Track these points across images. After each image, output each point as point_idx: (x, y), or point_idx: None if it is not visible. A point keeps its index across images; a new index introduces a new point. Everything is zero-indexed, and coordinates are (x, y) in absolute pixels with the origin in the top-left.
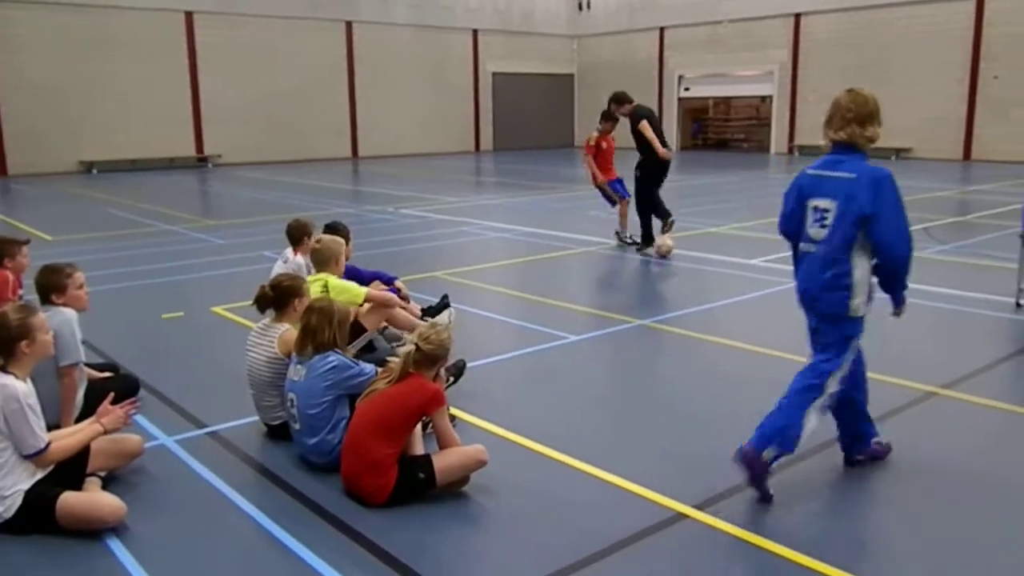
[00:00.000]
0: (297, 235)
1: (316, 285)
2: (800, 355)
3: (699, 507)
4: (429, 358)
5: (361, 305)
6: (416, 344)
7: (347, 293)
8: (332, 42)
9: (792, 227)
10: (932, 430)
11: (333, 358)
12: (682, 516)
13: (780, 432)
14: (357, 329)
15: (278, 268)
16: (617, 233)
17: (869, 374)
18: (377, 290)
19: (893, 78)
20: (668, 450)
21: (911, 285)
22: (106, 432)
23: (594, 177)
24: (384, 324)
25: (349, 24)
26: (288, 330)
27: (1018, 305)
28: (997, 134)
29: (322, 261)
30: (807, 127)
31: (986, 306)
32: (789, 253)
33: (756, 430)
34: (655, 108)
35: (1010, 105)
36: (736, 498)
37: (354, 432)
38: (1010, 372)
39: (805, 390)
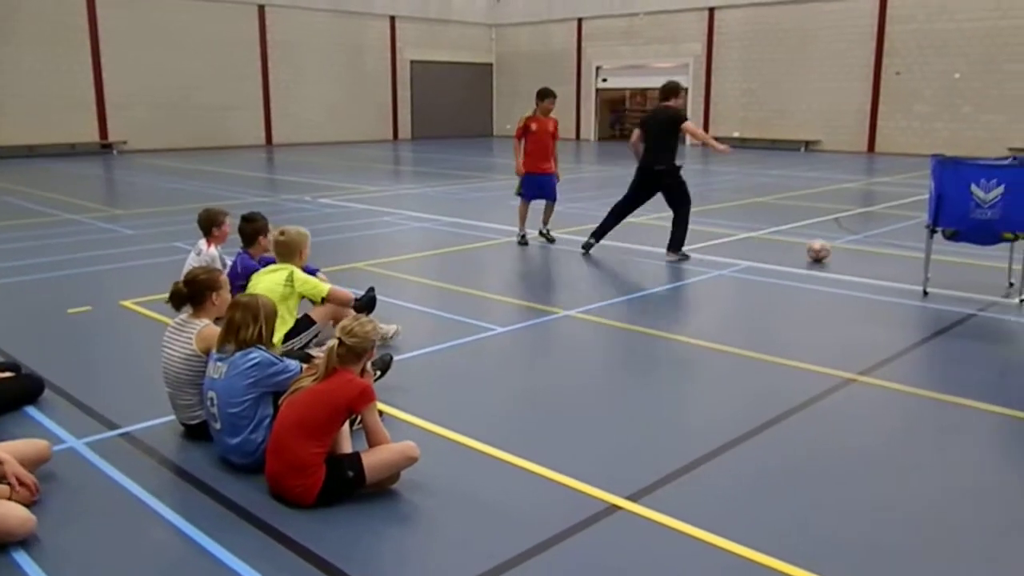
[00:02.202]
0: (208, 225)
1: (279, 275)
2: (720, 343)
3: (632, 498)
4: (354, 352)
5: (321, 302)
6: (339, 338)
7: (308, 285)
8: (244, 26)
9: None
10: (852, 416)
11: (256, 354)
12: (615, 508)
13: None
14: (306, 322)
15: (191, 260)
16: (543, 235)
17: (787, 363)
18: (337, 288)
19: (802, 72)
20: (599, 441)
21: (824, 274)
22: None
23: (530, 164)
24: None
25: (262, 8)
26: (207, 326)
27: (925, 293)
28: (899, 128)
29: (288, 252)
30: (722, 119)
31: (896, 294)
32: (709, 243)
33: None
34: (573, 98)
35: (911, 100)
36: (668, 487)
37: (279, 431)
38: (920, 358)
39: None
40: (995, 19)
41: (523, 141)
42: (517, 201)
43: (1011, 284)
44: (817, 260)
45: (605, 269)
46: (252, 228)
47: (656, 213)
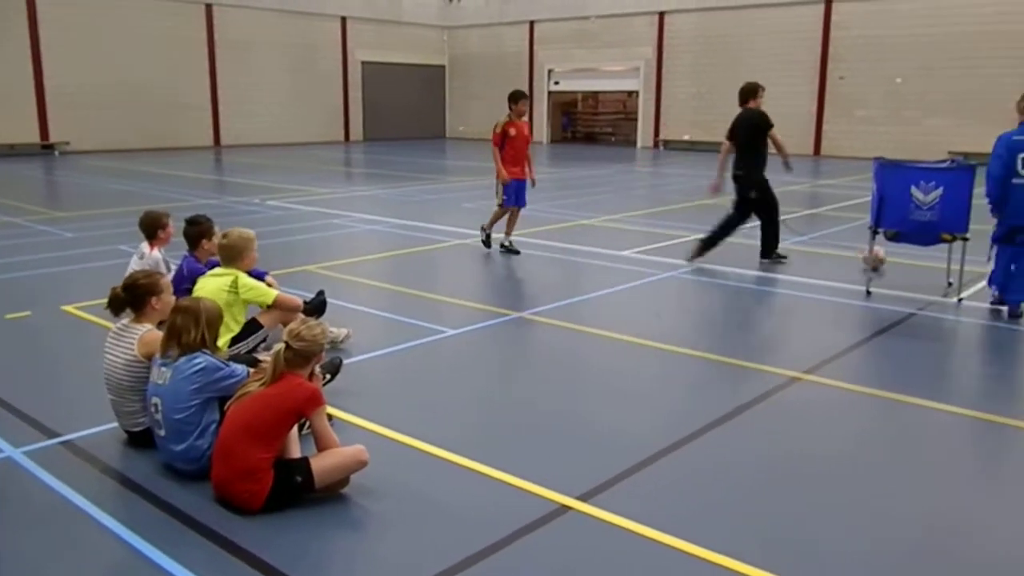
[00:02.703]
0: (151, 228)
1: (224, 280)
2: (669, 343)
3: (582, 498)
4: (301, 356)
5: (268, 308)
6: (287, 342)
7: (256, 292)
8: (191, 24)
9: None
10: (797, 414)
11: (201, 359)
12: (566, 508)
13: None
14: (254, 326)
15: (134, 264)
16: (500, 242)
17: (734, 362)
18: (285, 294)
19: (750, 76)
20: (549, 442)
21: (771, 275)
22: None
23: (514, 172)
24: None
25: (209, 7)
26: (149, 331)
27: (868, 293)
28: (843, 131)
29: (231, 256)
30: (672, 123)
31: (839, 294)
32: (659, 245)
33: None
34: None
35: (855, 104)
36: (618, 487)
37: (225, 436)
38: (862, 357)
39: None
40: (932, 27)
41: (503, 147)
42: (470, 203)
43: (950, 284)
44: (874, 269)
45: (558, 271)
46: (196, 231)
47: (608, 215)
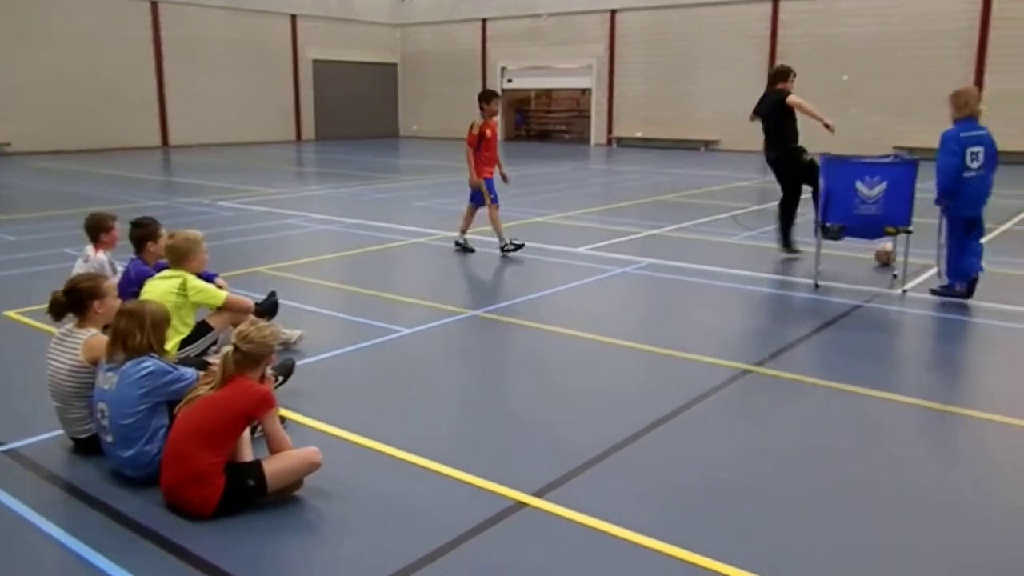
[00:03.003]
0: (95, 230)
1: (172, 282)
2: (622, 338)
3: (537, 494)
4: (250, 358)
5: (218, 310)
6: (235, 344)
7: (204, 293)
8: (136, 22)
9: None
10: (748, 405)
11: (149, 363)
12: (522, 504)
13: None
14: (204, 328)
15: (79, 267)
16: (502, 248)
17: (686, 356)
18: (236, 296)
19: (701, 74)
20: (504, 439)
21: (723, 270)
22: None
23: (481, 170)
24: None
25: (154, 4)
26: (94, 335)
27: (816, 286)
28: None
29: (176, 258)
30: (625, 120)
31: (789, 287)
32: (613, 241)
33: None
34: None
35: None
36: (573, 483)
37: (175, 441)
38: (811, 348)
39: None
40: (877, 25)
41: (478, 148)
42: (423, 202)
43: (895, 276)
44: (885, 264)
45: (512, 269)
46: (140, 233)
47: (562, 212)
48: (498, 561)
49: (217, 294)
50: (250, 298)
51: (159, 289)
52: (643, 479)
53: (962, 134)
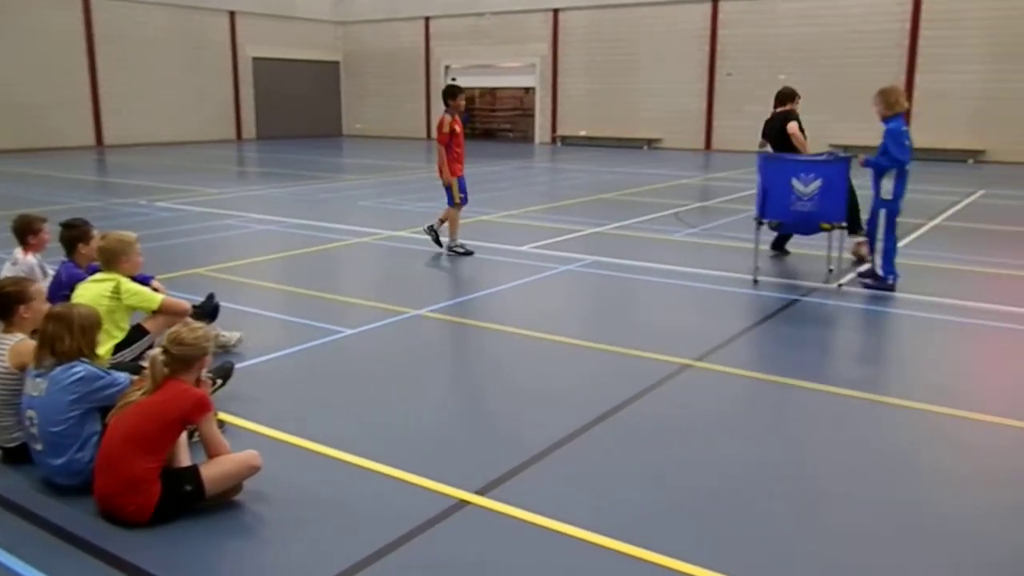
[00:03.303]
0: (24, 232)
1: (105, 285)
2: (564, 335)
3: (480, 492)
4: (182, 361)
5: (154, 313)
6: (164, 347)
7: (138, 296)
8: (66, 17)
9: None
10: (690, 400)
11: (80, 368)
12: (464, 503)
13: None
14: (140, 331)
15: (7, 270)
16: (451, 247)
17: (629, 352)
18: (172, 299)
19: (643, 73)
20: (446, 438)
21: (665, 267)
22: None
23: (443, 171)
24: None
25: None
26: (21, 341)
27: (755, 282)
28: (732, 126)
29: (108, 260)
30: (569, 119)
31: (729, 283)
32: (557, 239)
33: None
34: (423, 97)
35: (743, 100)
36: (516, 480)
37: (108, 448)
38: (750, 342)
39: None
40: (812, 26)
41: (449, 146)
42: (367, 201)
43: (831, 271)
44: (861, 259)
45: (456, 268)
46: (71, 235)
47: (506, 211)
48: (441, 559)
49: (152, 297)
50: (189, 301)
51: (91, 292)
52: (586, 474)
53: (903, 128)
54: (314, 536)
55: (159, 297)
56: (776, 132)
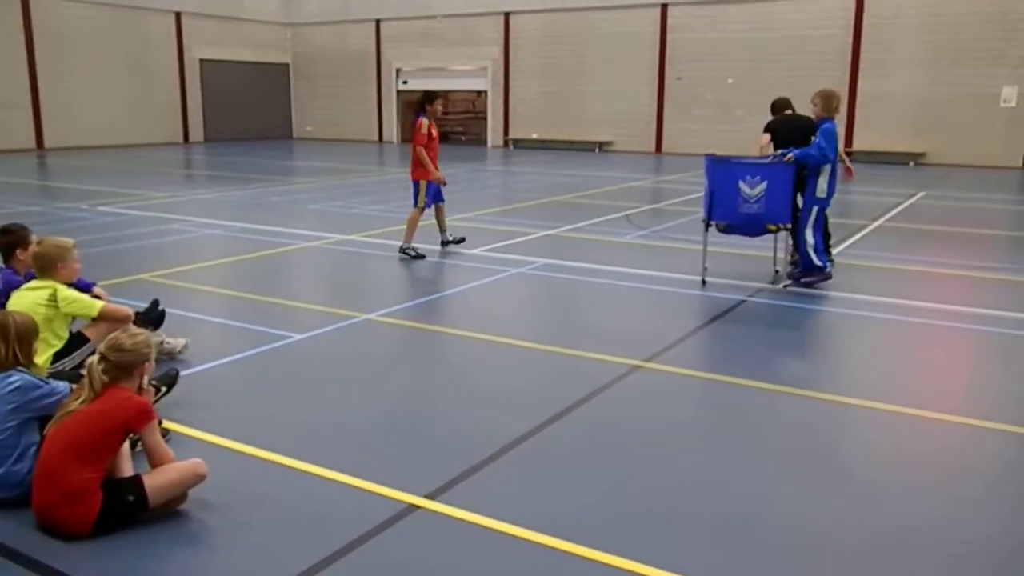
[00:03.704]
0: None
1: (41, 293)
2: (514, 338)
3: (430, 496)
4: (121, 368)
5: (94, 320)
6: (103, 354)
7: (78, 305)
8: (4, 17)
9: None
10: (639, 400)
11: (17, 377)
12: (414, 507)
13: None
14: (80, 339)
15: None
16: (403, 248)
17: (580, 354)
18: (113, 305)
19: (594, 76)
20: (395, 442)
21: (616, 268)
22: None
23: (421, 171)
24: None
25: None
26: None
27: (703, 283)
28: (682, 129)
29: (43, 266)
30: (521, 122)
31: (678, 284)
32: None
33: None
34: (374, 100)
35: (692, 104)
36: (465, 483)
37: (47, 458)
38: (699, 343)
39: None
40: (756, 31)
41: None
42: (317, 204)
43: (777, 271)
44: (793, 262)
45: (408, 272)
46: (7, 240)
47: (459, 214)
48: (391, 564)
49: (91, 304)
50: (133, 308)
51: (27, 300)
52: (536, 476)
53: (836, 129)
54: (261, 542)
55: (99, 304)
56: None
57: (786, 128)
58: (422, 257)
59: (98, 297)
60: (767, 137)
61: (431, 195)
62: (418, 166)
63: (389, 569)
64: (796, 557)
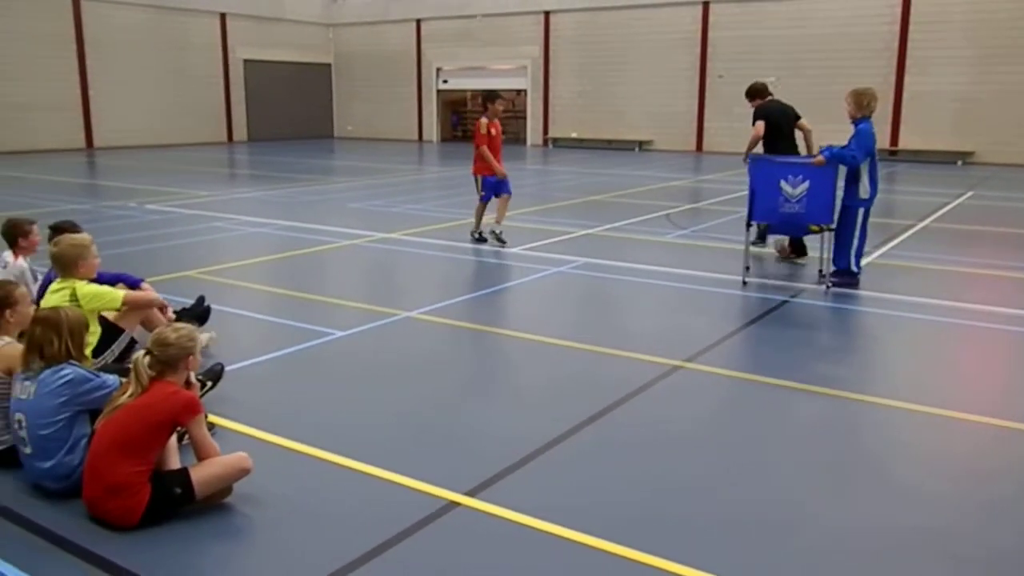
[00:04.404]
0: (11, 236)
1: (62, 294)
2: (555, 337)
3: (470, 493)
4: (166, 362)
5: (119, 309)
6: (148, 349)
7: (100, 300)
8: (55, 20)
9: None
10: (679, 401)
11: (68, 371)
12: (454, 504)
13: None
14: (115, 331)
15: None
16: (471, 233)
17: (620, 354)
18: (134, 291)
19: (634, 75)
20: (436, 440)
21: (656, 268)
22: None
23: (478, 165)
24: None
25: (76, 1)
26: (7, 344)
27: (744, 283)
28: (723, 128)
29: (63, 266)
30: (560, 121)
31: (718, 284)
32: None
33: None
34: (414, 99)
35: (732, 102)
36: (506, 480)
37: (96, 451)
38: (739, 344)
39: None
40: (801, 28)
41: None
42: (357, 203)
43: (821, 272)
44: (785, 257)
45: (448, 270)
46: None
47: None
48: (431, 562)
49: (113, 295)
50: (179, 303)
51: (51, 303)
52: (576, 475)
53: (872, 130)
54: (304, 538)
55: (120, 293)
56: (790, 122)
57: (777, 113)
58: (484, 241)
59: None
60: (762, 124)
61: (488, 188)
62: (476, 161)
63: (430, 564)
64: (830, 558)
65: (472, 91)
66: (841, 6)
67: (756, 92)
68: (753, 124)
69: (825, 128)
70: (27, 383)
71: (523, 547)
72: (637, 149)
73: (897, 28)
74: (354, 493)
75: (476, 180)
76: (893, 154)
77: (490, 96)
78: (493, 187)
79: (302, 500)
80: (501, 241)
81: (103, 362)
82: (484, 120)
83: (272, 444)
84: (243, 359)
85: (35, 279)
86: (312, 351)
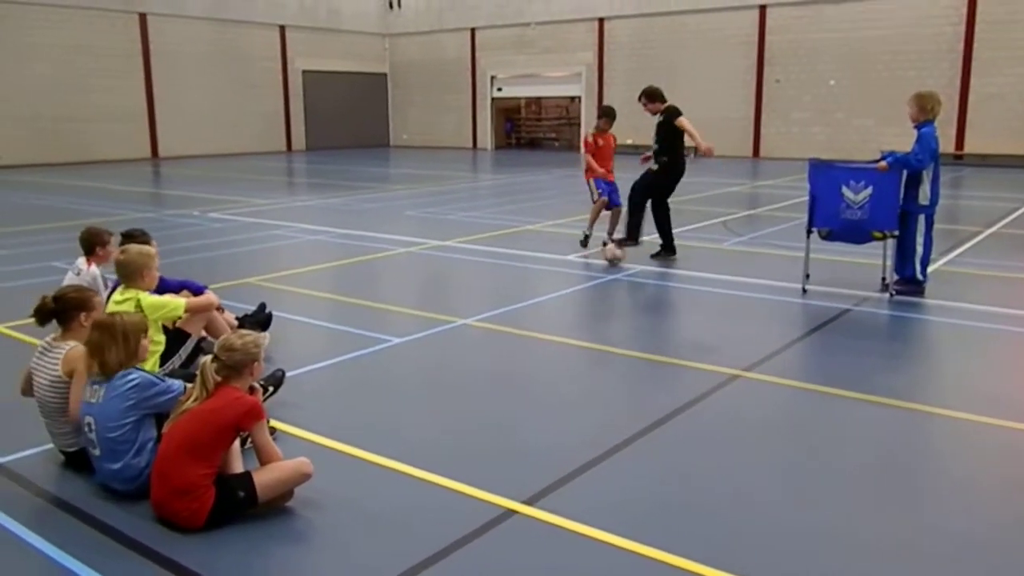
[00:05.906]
0: (89, 244)
1: (127, 304)
2: (613, 345)
3: (528, 502)
4: (232, 367)
5: (181, 317)
6: (215, 354)
7: (163, 309)
8: (123, 34)
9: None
10: (739, 411)
11: (136, 375)
12: (512, 512)
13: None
14: (182, 336)
15: (69, 280)
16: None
17: (677, 362)
18: (195, 298)
19: (689, 81)
20: (494, 448)
21: (713, 275)
22: None
23: (591, 170)
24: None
25: (143, 16)
26: (74, 348)
27: (804, 291)
28: (780, 133)
29: (128, 275)
30: (615, 126)
31: (778, 292)
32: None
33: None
34: (469, 107)
35: (790, 107)
36: (564, 489)
37: (163, 454)
38: (799, 353)
39: None
40: (860, 30)
41: (594, 155)
42: (414, 211)
43: (884, 280)
44: (612, 264)
45: (503, 277)
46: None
47: (551, 220)
48: (489, 569)
49: (176, 304)
50: (241, 310)
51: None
52: (634, 485)
53: (935, 133)
54: (362, 544)
55: (182, 302)
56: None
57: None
58: (585, 242)
59: (204, 296)
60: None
61: (603, 189)
62: (585, 168)
63: (489, 570)
64: (883, 570)
65: (526, 98)
66: (903, 7)
67: (658, 96)
68: (676, 120)
69: (886, 132)
70: (96, 387)
71: (580, 555)
72: (692, 155)
73: (962, 29)
74: (412, 499)
75: (589, 184)
76: (959, 158)
77: (600, 111)
78: (607, 190)
79: (362, 505)
80: (583, 244)
81: (170, 367)
82: (590, 131)
83: (332, 449)
84: (303, 365)
85: (106, 287)
86: (370, 357)
